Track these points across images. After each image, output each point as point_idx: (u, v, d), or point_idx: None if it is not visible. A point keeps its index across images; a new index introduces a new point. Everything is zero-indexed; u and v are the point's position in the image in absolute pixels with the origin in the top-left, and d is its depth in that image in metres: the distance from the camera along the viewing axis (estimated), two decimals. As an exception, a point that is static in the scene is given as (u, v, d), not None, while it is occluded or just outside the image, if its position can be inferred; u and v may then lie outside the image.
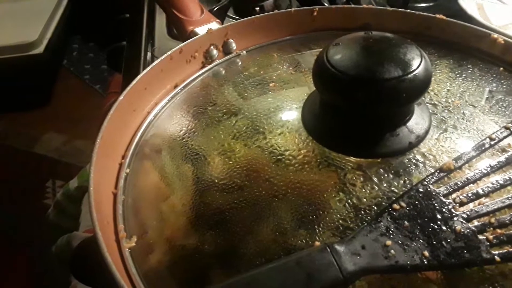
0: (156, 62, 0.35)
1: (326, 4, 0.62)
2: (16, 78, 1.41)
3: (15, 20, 1.46)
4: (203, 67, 0.38)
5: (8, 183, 1.27)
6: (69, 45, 1.78)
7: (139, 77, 0.33)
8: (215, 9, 0.58)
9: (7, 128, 1.47)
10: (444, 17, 0.38)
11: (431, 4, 0.63)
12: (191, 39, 0.38)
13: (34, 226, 1.04)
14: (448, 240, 0.22)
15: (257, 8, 0.62)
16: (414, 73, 0.24)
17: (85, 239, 0.35)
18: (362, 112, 0.26)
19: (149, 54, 0.57)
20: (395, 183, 0.25)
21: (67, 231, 0.58)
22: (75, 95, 1.60)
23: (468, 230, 0.22)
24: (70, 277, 0.57)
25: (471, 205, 0.24)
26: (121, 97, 0.32)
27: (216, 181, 0.28)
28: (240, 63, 0.39)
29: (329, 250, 0.21)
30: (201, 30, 0.40)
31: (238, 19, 0.44)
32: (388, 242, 0.22)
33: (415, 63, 0.24)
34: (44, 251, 0.66)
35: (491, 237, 0.22)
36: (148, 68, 0.34)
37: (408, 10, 0.39)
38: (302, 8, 0.41)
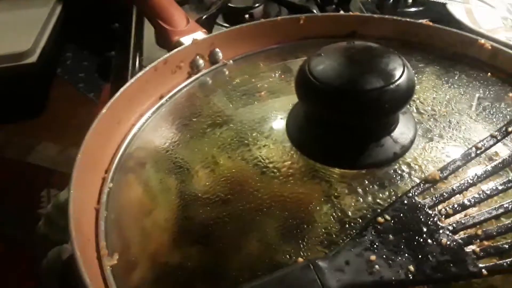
0: (139, 74, 0.35)
1: (315, 10, 0.62)
2: (10, 88, 1.39)
3: (7, 29, 1.45)
4: (189, 77, 0.38)
5: (2, 193, 1.26)
6: (63, 54, 1.77)
7: (122, 89, 0.33)
8: (204, 17, 0.58)
9: (0, 138, 1.46)
10: (431, 23, 0.38)
11: (420, 8, 0.63)
12: (176, 50, 0.37)
13: (29, 237, 1.03)
14: (434, 254, 0.22)
15: (247, 16, 0.62)
16: (396, 83, 0.23)
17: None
18: (344, 123, 0.26)
19: (137, 63, 0.56)
20: (380, 195, 0.25)
21: (58, 243, 0.57)
22: (70, 103, 1.58)
23: (454, 243, 0.22)
24: (60, 291, 0.56)
25: (457, 217, 0.23)
26: (103, 110, 0.31)
27: (199, 195, 0.27)
28: (226, 73, 0.39)
29: (312, 267, 0.21)
30: (186, 40, 0.40)
31: (228, 26, 0.44)
32: (373, 257, 0.22)
33: (397, 73, 0.24)
34: (36, 264, 0.65)
35: (478, 249, 0.22)
36: (131, 80, 0.34)
37: (395, 17, 0.39)
38: (288, 16, 0.41)
